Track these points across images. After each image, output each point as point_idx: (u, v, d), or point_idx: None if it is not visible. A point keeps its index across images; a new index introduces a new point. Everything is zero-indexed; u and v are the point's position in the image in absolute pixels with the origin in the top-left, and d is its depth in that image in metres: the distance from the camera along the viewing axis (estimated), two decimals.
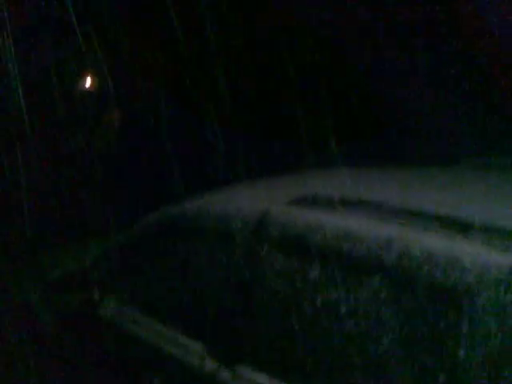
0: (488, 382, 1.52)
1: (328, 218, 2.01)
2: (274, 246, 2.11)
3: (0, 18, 5.09)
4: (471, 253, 1.67)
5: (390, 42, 5.16)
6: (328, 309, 1.90)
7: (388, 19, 5.13)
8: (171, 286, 2.63)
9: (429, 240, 1.76)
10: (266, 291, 2.11)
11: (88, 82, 7.77)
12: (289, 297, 2.04)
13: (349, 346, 1.83)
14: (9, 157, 5.45)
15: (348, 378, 1.84)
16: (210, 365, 2.28)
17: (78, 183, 6.11)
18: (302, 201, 2.18)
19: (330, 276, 1.91)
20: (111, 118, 7.78)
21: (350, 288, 1.85)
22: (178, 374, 2.46)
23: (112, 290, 2.98)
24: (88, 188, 5.95)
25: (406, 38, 5.10)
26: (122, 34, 5.95)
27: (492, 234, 1.73)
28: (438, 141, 5.05)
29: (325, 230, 1.96)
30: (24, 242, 4.79)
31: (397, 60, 5.18)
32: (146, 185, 5.89)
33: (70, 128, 6.81)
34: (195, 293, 2.47)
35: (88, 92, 7.68)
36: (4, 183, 5.41)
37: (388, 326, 1.74)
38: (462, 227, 1.78)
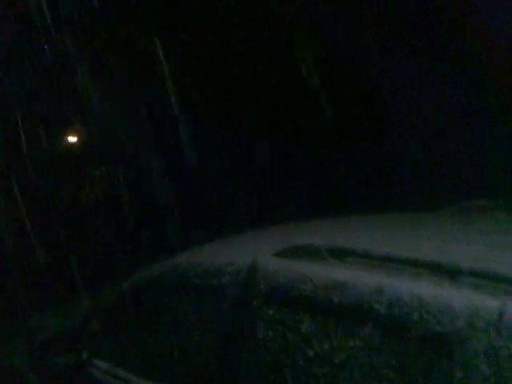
0: None
1: (316, 269, 2.02)
2: (263, 298, 2.10)
3: None
4: (461, 298, 1.68)
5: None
6: (320, 359, 1.89)
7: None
8: (162, 343, 2.61)
9: (418, 287, 1.77)
10: (258, 344, 2.09)
11: (75, 136, 7.82)
12: (280, 348, 2.02)
13: None
14: None
15: None
16: None
17: (65, 238, 6.08)
18: (290, 252, 2.19)
19: (320, 326, 1.91)
20: (98, 172, 7.80)
21: (342, 338, 1.84)
22: None
23: (101, 349, 2.94)
24: (76, 243, 5.92)
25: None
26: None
27: (480, 278, 1.74)
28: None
29: (314, 281, 1.97)
30: (12, 302, 4.74)
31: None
32: (134, 238, 5.86)
33: (57, 181, 6.81)
34: (186, 349, 2.45)
35: (75, 146, 7.72)
36: None
37: (381, 374, 1.74)
38: (451, 273, 1.80)
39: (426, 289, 1.75)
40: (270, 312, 2.06)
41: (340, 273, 1.96)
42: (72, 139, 7.82)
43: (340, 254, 2.07)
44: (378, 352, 1.75)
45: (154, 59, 5.51)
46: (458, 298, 1.68)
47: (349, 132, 5.56)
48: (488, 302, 1.63)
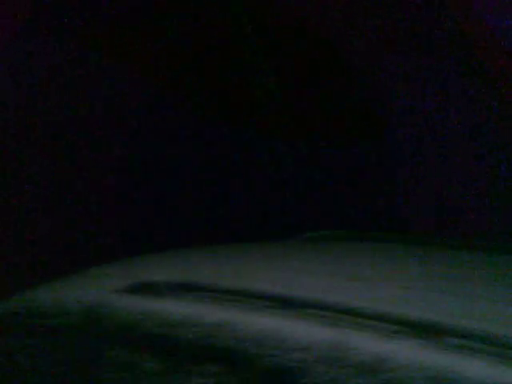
0: None
1: (157, 306, 1.96)
2: (105, 339, 2.01)
3: None
4: (300, 330, 1.67)
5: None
6: None
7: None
8: None
9: (258, 320, 1.75)
10: None
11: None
12: None
13: None
14: None
15: None
16: None
17: None
18: (132, 288, 2.11)
19: (159, 367, 1.83)
20: None
21: (182, 377, 1.78)
22: None
23: None
24: None
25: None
26: None
27: (321, 309, 1.74)
28: None
29: (153, 319, 1.90)
30: None
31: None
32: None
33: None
34: None
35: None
36: None
37: None
38: (293, 304, 1.79)
39: (265, 322, 1.73)
40: (113, 353, 1.96)
41: (181, 309, 1.90)
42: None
43: (183, 289, 2.02)
44: None
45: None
46: (298, 330, 1.67)
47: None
48: (328, 334, 1.63)
